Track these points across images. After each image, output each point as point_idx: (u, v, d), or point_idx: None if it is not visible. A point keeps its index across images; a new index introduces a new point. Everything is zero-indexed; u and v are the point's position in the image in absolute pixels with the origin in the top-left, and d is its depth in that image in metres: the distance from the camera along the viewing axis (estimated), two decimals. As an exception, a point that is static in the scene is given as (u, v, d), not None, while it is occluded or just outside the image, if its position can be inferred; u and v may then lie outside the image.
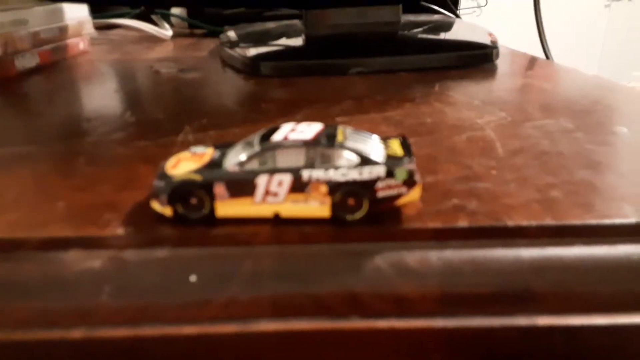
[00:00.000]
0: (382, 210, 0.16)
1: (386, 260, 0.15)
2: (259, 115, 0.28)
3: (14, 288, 0.15)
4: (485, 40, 0.45)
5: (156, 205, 0.16)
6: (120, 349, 0.14)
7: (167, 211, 0.16)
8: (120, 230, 0.16)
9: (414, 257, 0.15)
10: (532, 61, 0.44)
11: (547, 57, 0.57)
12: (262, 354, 0.15)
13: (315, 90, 0.34)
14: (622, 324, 0.14)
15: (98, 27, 0.71)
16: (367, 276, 0.15)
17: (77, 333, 0.14)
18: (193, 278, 0.15)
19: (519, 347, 0.14)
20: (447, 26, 0.55)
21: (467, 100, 0.30)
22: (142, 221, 0.16)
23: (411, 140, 0.23)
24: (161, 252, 0.15)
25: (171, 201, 0.16)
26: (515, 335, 0.14)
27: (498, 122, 0.26)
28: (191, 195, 0.15)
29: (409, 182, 0.15)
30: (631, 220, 0.16)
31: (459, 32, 0.51)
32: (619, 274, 0.15)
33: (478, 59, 0.42)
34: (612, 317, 0.14)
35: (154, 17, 0.70)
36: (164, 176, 0.16)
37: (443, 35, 0.50)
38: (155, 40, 0.64)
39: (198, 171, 0.16)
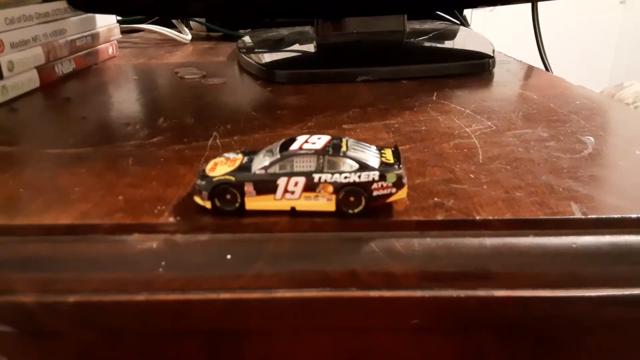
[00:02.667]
0: (377, 206, 0.20)
1: (378, 245, 0.19)
2: (275, 121, 0.33)
3: (89, 263, 0.19)
4: (486, 49, 0.49)
5: (198, 200, 0.20)
6: (172, 309, 0.19)
7: (207, 204, 0.20)
8: (171, 219, 0.20)
9: (400, 243, 0.19)
10: (527, 71, 0.48)
11: (545, 66, 0.60)
12: (281, 315, 0.19)
13: (325, 98, 0.38)
14: (563, 296, 0.18)
15: (123, 32, 0.76)
16: (363, 257, 0.19)
17: (140, 297, 0.19)
18: (228, 256, 0.19)
19: (479, 313, 0.19)
20: (450, 34, 0.58)
21: (459, 109, 0.34)
22: (187, 212, 0.20)
23: (406, 147, 0.27)
24: (203, 236, 0.19)
25: (211, 197, 0.20)
26: (476, 303, 0.18)
27: (484, 130, 0.30)
28: (226, 192, 0.20)
29: (398, 184, 0.20)
30: (575, 216, 0.20)
31: (461, 41, 0.54)
32: (562, 258, 0.19)
33: (476, 68, 0.46)
34: (555, 291, 0.18)
35: (174, 21, 0.74)
36: (205, 177, 0.20)
37: (445, 45, 0.54)
38: (175, 43, 0.69)
39: (231, 173, 0.20)
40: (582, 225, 0.20)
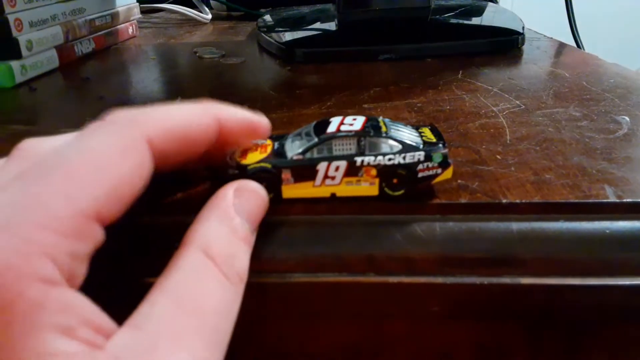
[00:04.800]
0: (421, 188, 0.19)
1: (398, 229, 0.18)
2: (293, 101, 0.32)
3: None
4: (515, 26, 0.47)
5: None
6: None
7: None
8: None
9: (421, 227, 0.18)
10: (559, 48, 0.45)
11: (577, 43, 0.58)
12: (295, 300, 0.18)
13: (345, 77, 0.37)
14: (594, 285, 0.17)
15: (143, 11, 0.75)
16: (382, 241, 0.18)
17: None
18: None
19: (504, 301, 0.18)
20: (477, 11, 0.56)
21: (486, 88, 0.33)
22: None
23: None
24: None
25: None
26: (501, 291, 0.17)
27: (512, 109, 0.29)
28: (262, 180, 0.18)
29: (444, 164, 0.18)
30: (609, 199, 0.18)
31: (489, 17, 0.52)
32: (594, 244, 0.18)
33: (504, 45, 0.44)
34: (585, 279, 0.17)
35: (194, 0, 0.73)
36: (239, 165, 0.19)
37: (472, 21, 0.51)
38: (195, 23, 0.68)
39: (266, 160, 0.19)
40: (617, 210, 0.18)
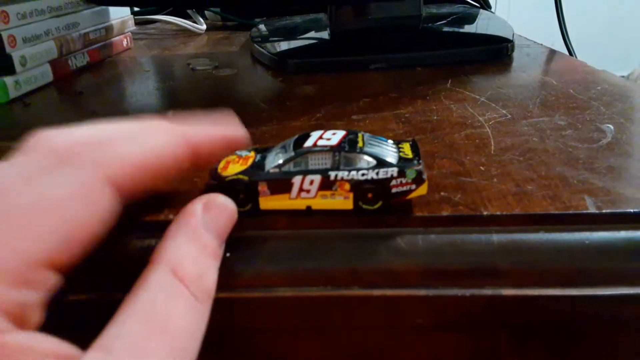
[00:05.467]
0: (395, 203, 0.19)
1: (381, 242, 0.19)
2: (283, 113, 0.32)
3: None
4: (506, 33, 0.47)
5: None
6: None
7: None
8: (171, 216, 0.20)
9: (403, 240, 0.19)
10: (548, 55, 0.46)
11: (568, 50, 0.58)
12: (281, 314, 0.18)
13: (336, 87, 0.37)
14: (574, 295, 0.18)
15: (138, 23, 0.76)
16: (365, 254, 0.18)
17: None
18: (227, 254, 0.19)
19: (486, 313, 0.18)
20: (468, 18, 0.57)
21: (474, 97, 0.33)
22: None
23: (415, 138, 0.27)
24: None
25: None
26: (482, 303, 0.18)
27: (498, 119, 0.29)
28: (239, 192, 0.19)
29: (418, 180, 0.19)
30: (589, 211, 0.19)
31: (480, 24, 0.53)
32: (573, 255, 0.18)
33: (494, 53, 0.44)
34: (566, 290, 0.18)
35: (189, 11, 0.74)
36: (217, 176, 0.19)
37: (463, 29, 0.52)
38: (190, 33, 0.68)
39: (244, 172, 0.19)
40: (596, 220, 0.19)
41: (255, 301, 0.18)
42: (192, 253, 0.16)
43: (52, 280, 0.14)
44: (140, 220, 0.20)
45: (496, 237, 0.18)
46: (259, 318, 0.19)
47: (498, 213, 0.19)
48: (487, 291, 0.18)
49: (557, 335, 0.19)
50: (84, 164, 0.16)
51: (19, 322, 0.13)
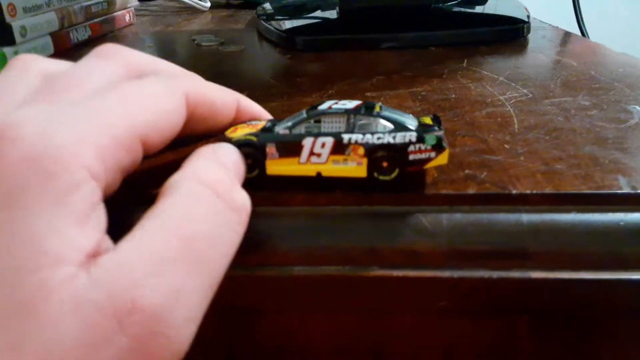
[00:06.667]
0: (413, 172, 0.18)
1: (403, 220, 0.17)
2: (293, 89, 0.31)
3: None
4: (520, 14, 0.46)
5: None
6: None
7: None
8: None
9: (427, 218, 0.18)
10: (564, 37, 0.44)
11: (582, 33, 0.57)
12: (296, 294, 0.17)
13: (347, 65, 0.36)
14: (606, 279, 0.17)
15: (141, -1, 0.74)
16: (386, 233, 0.17)
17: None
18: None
19: (513, 296, 0.17)
20: (480, -1, 0.55)
21: (492, 77, 0.32)
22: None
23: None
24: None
25: None
26: (510, 286, 0.17)
27: (519, 98, 0.28)
28: (247, 156, 0.18)
29: (438, 147, 0.17)
30: (623, 190, 0.18)
31: (493, 5, 0.51)
32: (606, 237, 0.17)
33: (509, 34, 0.43)
34: (597, 273, 0.17)
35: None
36: (224, 138, 0.18)
37: (476, 9, 0.50)
38: (194, 11, 0.67)
39: (253, 134, 0.18)
40: (631, 201, 0.18)
41: (269, 280, 0.17)
42: (216, 167, 0.16)
43: (140, 155, 0.15)
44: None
45: (526, 217, 0.17)
46: (272, 297, 0.18)
47: (528, 192, 0.18)
48: (515, 274, 0.17)
49: (586, 322, 0.18)
50: (167, 76, 0.18)
51: (106, 180, 0.14)
